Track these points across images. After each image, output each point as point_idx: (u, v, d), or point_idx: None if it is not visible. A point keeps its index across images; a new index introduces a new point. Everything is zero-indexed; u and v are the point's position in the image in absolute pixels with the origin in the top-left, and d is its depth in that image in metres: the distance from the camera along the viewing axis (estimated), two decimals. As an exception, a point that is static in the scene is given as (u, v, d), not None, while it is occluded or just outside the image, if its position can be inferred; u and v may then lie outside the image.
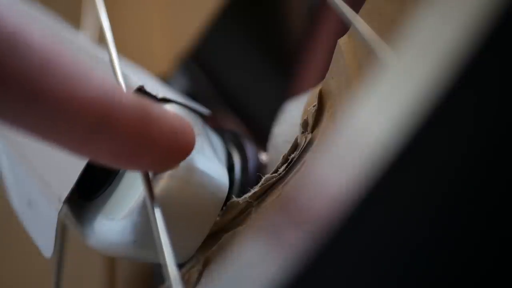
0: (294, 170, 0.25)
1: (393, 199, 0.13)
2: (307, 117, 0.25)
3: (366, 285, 0.14)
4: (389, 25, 0.22)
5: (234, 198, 0.25)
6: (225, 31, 0.43)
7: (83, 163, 0.23)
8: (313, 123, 0.25)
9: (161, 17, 0.44)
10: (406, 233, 0.13)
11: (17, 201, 0.28)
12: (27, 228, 0.27)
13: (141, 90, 0.24)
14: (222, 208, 0.25)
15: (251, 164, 0.27)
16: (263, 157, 0.28)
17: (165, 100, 0.25)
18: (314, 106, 0.25)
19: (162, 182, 0.23)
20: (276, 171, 0.25)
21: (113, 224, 0.24)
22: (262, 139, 0.29)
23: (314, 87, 0.26)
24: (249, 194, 0.25)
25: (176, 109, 0.25)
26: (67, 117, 0.18)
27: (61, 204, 0.24)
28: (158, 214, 0.22)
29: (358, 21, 0.21)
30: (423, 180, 0.13)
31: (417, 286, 0.14)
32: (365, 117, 0.14)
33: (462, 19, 0.13)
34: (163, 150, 0.21)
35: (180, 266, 0.26)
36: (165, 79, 0.40)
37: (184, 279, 0.26)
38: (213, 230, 0.25)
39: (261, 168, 0.27)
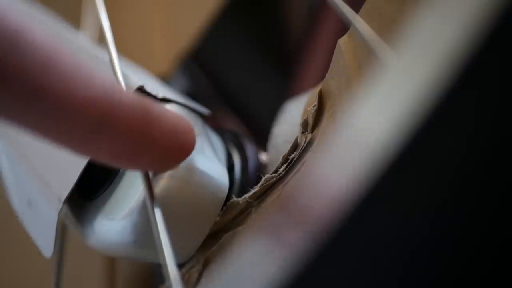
0: (294, 170, 0.25)
1: (393, 199, 0.13)
2: (307, 117, 0.25)
3: (366, 285, 0.14)
4: (389, 25, 0.22)
5: (234, 198, 0.25)
6: (225, 31, 0.43)
7: (83, 163, 0.23)
8: (313, 123, 0.25)
9: (161, 17, 0.44)
10: (406, 233, 0.13)
11: (17, 201, 0.28)
12: (27, 228, 0.27)
13: (141, 90, 0.24)
14: (222, 208, 0.25)
15: (251, 164, 0.27)
16: (263, 157, 0.28)
17: (165, 100, 0.25)
18: (314, 106, 0.25)
19: (162, 182, 0.23)
20: (276, 171, 0.25)
21: (113, 224, 0.24)
22: (262, 139, 0.29)
23: (314, 87, 0.26)
24: (249, 194, 0.25)
25: (176, 109, 0.25)
26: (67, 115, 0.18)
27: (61, 204, 0.24)
28: (158, 214, 0.22)
29: (358, 21, 0.21)
30: (423, 180, 0.13)
31: (417, 286, 0.14)
32: (365, 117, 0.14)
33: (462, 19, 0.13)
34: (163, 150, 0.21)
35: (180, 266, 0.26)
36: (165, 79, 0.40)
37: (184, 279, 0.26)
38: (213, 230, 0.25)
39: (261, 168, 0.27)
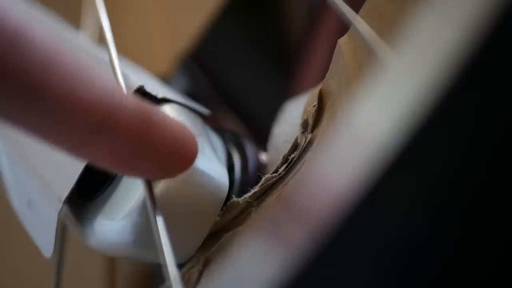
0: (294, 170, 0.25)
1: (393, 199, 0.13)
2: (307, 117, 0.25)
3: (366, 285, 0.14)
4: (389, 25, 0.22)
5: (234, 198, 0.25)
6: (225, 31, 0.43)
7: (83, 163, 0.23)
8: (313, 123, 0.25)
9: (161, 17, 0.44)
10: (406, 233, 0.13)
11: (17, 201, 0.28)
12: (27, 228, 0.27)
13: (141, 90, 0.24)
14: (222, 208, 0.25)
15: (251, 164, 0.27)
16: (263, 157, 0.28)
17: (165, 100, 0.25)
18: (314, 106, 0.25)
19: (162, 183, 0.23)
20: (276, 171, 0.25)
21: (113, 224, 0.24)
22: (262, 139, 0.29)
23: (314, 87, 0.26)
24: (249, 194, 0.25)
25: (176, 109, 0.25)
26: (67, 116, 0.18)
27: (61, 204, 0.24)
28: (158, 214, 0.22)
29: (358, 21, 0.21)
30: (423, 180, 0.13)
31: (417, 286, 0.14)
32: (365, 117, 0.14)
33: (462, 19, 0.13)
34: (164, 156, 0.20)
35: (180, 266, 0.26)
36: (165, 79, 0.40)
37: (184, 279, 0.26)
38: (213, 230, 0.25)
39: (261, 168, 0.27)
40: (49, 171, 0.25)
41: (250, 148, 0.27)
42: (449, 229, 0.13)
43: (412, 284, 0.14)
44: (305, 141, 0.25)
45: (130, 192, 0.24)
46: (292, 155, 0.25)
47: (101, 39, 0.27)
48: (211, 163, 0.25)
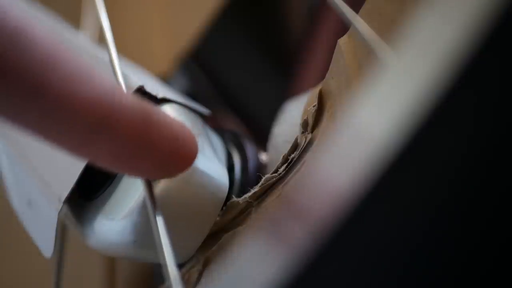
0: (294, 170, 0.25)
1: (393, 199, 0.13)
2: (307, 117, 0.25)
3: (366, 285, 0.14)
4: (389, 25, 0.22)
5: (234, 198, 0.25)
6: (225, 31, 0.43)
7: (83, 163, 0.23)
8: (313, 123, 0.25)
9: (161, 17, 0.44)
10: (406, 233, 0.13)
11: (17, 201, 0.28)
12: (27, 228, 0.27)
13: (141, 90, 0.24)
14: (222, 208, 0.25)
15: (251, 164, 0.27)
16: (263, 157, 0.28)
17: (165, 100, 0.25)
18: (314, 106, 0.25)
19: (162, 182, 0.23)
20: (276, 171, 0.25)
21: (113, 224, 0.24)
22: (262, 139, 0.29)
23: (314, 87, 0.26)
24: (249, 194, 0.25)
25: (176, 109, 0.25)
26: (67, 115, 0.18)
27: (61, 204, 0.24)
28: (158, 214, 0.22)
29: (358, 21, 0.21)
30: (423, 180, 0.13)
31: (417, 286, 0.14)
32: (365, 117, 0.14)
33: (462, 19, 0.13)
34: (163, 155, 0.20)
35: (180, 266, 0.26)
36: (165, 79, 0.40)
37: (184, 279, 0.26)
38: (213, 230, 0.25)
39: (261, 168, 0.27)
40: (49, 171, 0.25)
41: (250, 148, 0.27)
42: (449, 229, 0.13)
43: (412, 284, 0.14)
44: (305, 141, 0.25)
45: (130, 192, 0.24)
46: (292, 155, 0.25)
47: (101, 39, 0.27)
48: (211, 163, 0.25)
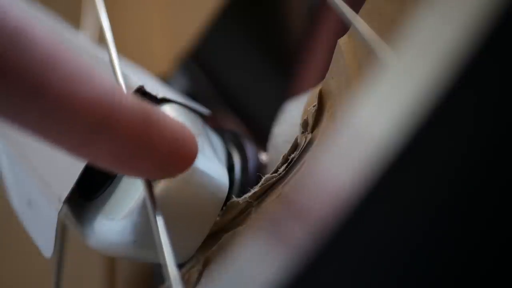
0: (294, 170, 0.25)
1: (393, 199, 0.13)
2: (307, 117, 0.25)
3: (366, 285, 0.14)
4: (389, 25, 0.22)
5: (234, 198, 0.25)
6: (225, 31, 0.43)
7: (83, 163, 0.23)
8: (313, 123, 0.25)
9: (161, 17, 0.44)
10: (406, 233, 0.13)
11: (17, 201, 0.28)
12: (27, 228, 0.27)
13: (141, 90, 0.24)
14: (222, 208, 0.25)
15: (251, 164, 0.27)
16: (263, 157, 0.28)
17: (165, 100, 0.25)
18: (314, 106, 0.25)
19: (162, 182, 0.23)
20: (276, 171, 0.25)
21: (113, 224, 0.24)
22: (262, 139, 0.29)
23: (314, 87, 0.26)
24: (249, 194, 0.25)
25: (176, 109, 0.25)
26: (67, 115, 0.18)
27: (61, 204, 0.24)
28: (158, 214, 0.22)
29: (358, 21, 0.21)
30: (423, 180, 0.13)
31: (417, 286, 0.14)
32: (365, 117, 0.14)
33: (462, 19, 0.13)
34: (163, 156, 0.20)
35: (180, 266, 0.26)
36: (165, 79, 0.40)
37: (184, 279, 0.26)
38: (213, 230, 0.25)
39: (261, 168, 0.27)
40: (49, 171, 0.25)
41: (250, 148, 0.27)
42: (449, 229, 0.13)
43: (412, 284, 0.14)
44: (305, 141, 0.25)
45: (130, 192, 0.24)
46: (292, 155, 0.25)
47: (101, 39, 0.27)
48: (211, 163, 0.25)
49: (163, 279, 0.21)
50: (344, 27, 0.24)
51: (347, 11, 0.22)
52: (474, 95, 0.13)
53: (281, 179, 0.25)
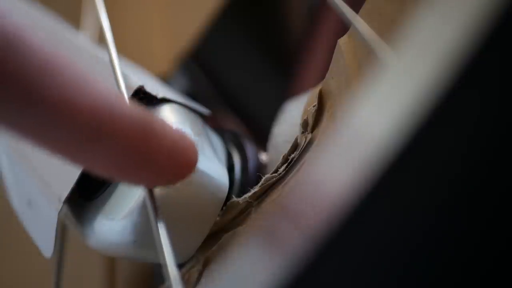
0: (294, 170, 0.25)
1: (393, 200, 0.13)
2: (307, 117, 0.25)
3: (365, 285, 0.14)
4: (389, 25, 0.22)
5: (234, 198, 0.25)
6: (225, 31, 0.43)
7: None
8: (313, 123, 0.25)
9: (161, 17, 0.44)
10: (406, 234, 0.13)
11: (17, 201, 0.28)
12: (27, 228, 0.27)
13: (141, 90, 0.24)
14: (222, 208, 0.25)
15: (251, 164, 0.27)
16: (263, 157, 0.28)
17: (165, 100, 0.25)
18: (314, 106, 0.25)
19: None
20: (276, 171, 0.25)
21: (113, 224, 0.24)
22: (262, 139, 0.29)
23: (314, 87, 0.26)
24: (249, 194, 0.25)
25: (176, 109, 0.25)
26: (65, 122, 0.18)
27: (61, 204, 0.24)
28: (158, 214, 0.22)
29: (358, 21, 0.21)
30: (423, 180, 0.13)
31: (417, 286, 0.14)
32: (365, 117, 0.14)
33: (462, 19, 0.13)
34: (163, 164, 0.20)
35: (180, 266, 0.26)
36: (165, 79, 0.40)
37: (184, 279, 0.26)
38: (213, 230, 0.25)
39: (261, 168, 0.27)
40: (49, 171, 0.25)
41: (250, 148, 0.27)
42: (449, 229, 0.13)
43: (412, 284, 0.14)
44: (305, 141, 0.25)
45: (130, 192, 0.24)
46: (292, 155, 0.25)
47: (101, 39, 0.27)
48: (211, 163, 0.25)
49: (163, 279, 0.21)
50: (344, 27, 0.24)
51: (347, 11, 0.22)
52: (474, 95, 0.13)
53: (281, 179, 0.25)
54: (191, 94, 0.39)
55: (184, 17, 0.44)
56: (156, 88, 0.25)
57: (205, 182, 0.24)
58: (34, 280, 0.39)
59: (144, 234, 0.24)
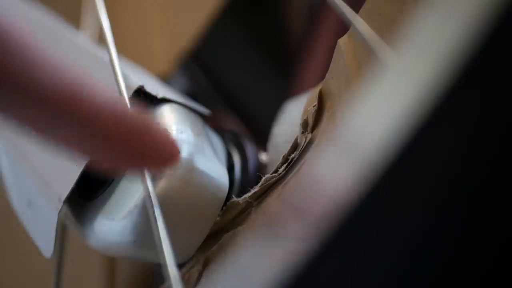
0: (294, 170, 0.25)
1: (392, 200, 0.13)
2: (307, 117, 0.25)
3: (366, 285, 0.14)
4: (389, 25, 0.22)
5: (234, 198, 0.25)
6: (225, 31, 0.42)
7: (83, 163, 0.23)
8: (313, 123, 0.25)
9: (161, 17, 0.44)
10: (405, 234, 0.13)
11: (17, 201, 0.28)
12: (27, 228, 0.27)
13: (141, 90, 0.24)
14: (222, 208, 0.25)
15: (251, 164, 0.27)
16: (263, 157, 0.28)
17: (165, 100, 0.25)
18: (314, 106, 0.25)
19: (162, 182, 0.23)
20: (276, 171, 0.25)
21: (113, 224, 0.24)
22: (262, 139, 0.29)
23: (314, 87, 0.26)
24: (249, 194, 0.25)
25: (176, 109, 0.25)
26: (57, 116, 0.18)
27: (61, 204, 0.24)
28: (158, 214, 0.22)
29: (358, 21, 0.21)
30: (423, 180, 0.13)
31: (417, 286, 0.14)
32: (365, 117, 0.14)
33: (462, 19, 0.13)
34: (154, 160, 0.20)
35: (180, 266, 0.26)
36: (165, 79, 0.40)
37: (184, 279, 0.26)
38: (213, 230, 0.25)
39: (261, 168, 0.27)
40: (49, 171, 0.25)
41: (250, 148, 0.27)
42: (449, 229, 0.13)
43: (412, 284, 0.14)
44: (305, 141, 0.25)
45: (130, 192, 0.24)
46: (292, 155, 0.25)
47: (101, 39, 0.27)
48: (211, 163, 0.25)
49: (163, 279, 0.21)
50: (344, 27, 0.24)
51: (347, 11, 0.22)
52: (474, 95, 0.13)
53: (281, 179, 0.25)
54: (191, 94, 0.39)
55: (184, 17, 0.44)
56: (156, 88, 0.25)
57: (205, 182, 0.24)
58: (34, 280, 0.39)
59: (144, 234, 0.24)
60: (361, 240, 0.13)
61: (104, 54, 0.25)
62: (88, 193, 0.25)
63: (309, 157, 0.24)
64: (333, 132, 0.24)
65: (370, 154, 0.13)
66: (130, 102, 0.24)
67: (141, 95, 0.24)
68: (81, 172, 0.23)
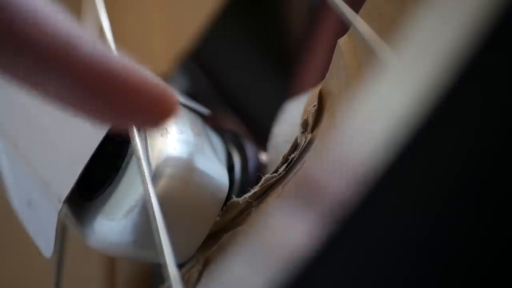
0: (294, 170, 0.25)
1: (393, 200, 0.13)
2: (307, 117, 0.25)
3: (366, 285, 0.14)
4: (389, 25, 0.22)
5: (234, 198, 0.25)
6: (225, 31, 0.43)
7: (83, 163, 0.23)
8: (313, 123, 0.25)
9: (161, 17, 0.44)
10: (406, 234, 0.13)
11: (17, 201, 0.28)
12: (27, 228, 0.27)
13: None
14: (222, 208, 0.25)
15: (251, 164, 0.27)
16: (263, 157, 0.28)
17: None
18: (314, 106, 0.25)
19: (162, 182, 0.23)
20: (276, 171, 0.25)
21: (113, 224, 0.24)
22: (262, 139, 0.29)
23: (314, 87, 0.26)
24: (249, 194, 0.25)
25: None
26: (50, 67, 0.18)
27: (61, 204, 0.24)
28: (158, 214, 0.22)
29: (358, 21, 0.21)
30: (423, 180, 0.13)
31: (417, 286, 0.14)
32: (365, 117, 0.14)
33: (462, 19, 0.13)
34: (151, 106, 0.20)
35: (180, 266, 0.26)
36: (165, 79, 0.40)
37: (184, 279, 0.26)
38: (213, 230, 0.25)
39: (261, 168, 0.27)
40: (49, 171, 0.25)
41: (250, 148, 0.27)
42: (450, 229, 0.13)
43: (413, 284, 0.14)
44: (305, 141, 0.25)
45: (130, 192, 0.24)
46: (292, 155, 0.25)
47: (101, 39, 0.27)
48: (211, 163, 0.25)
49: (163, 279, 0.21)
50: (344, 27, 0.24)
51: (347, 11, 0.22)
52: (474, 95, 0.13)
53: (281, 179, 0.25)
54: (191, 94, 0.39)
55: (184, 17, 0.44)
56: (156, 88, 0.25)
57: (205, 182, 0.24)
58: (34, 280, 0.39)
59: (144, 234, 0.24)
60: (361, 240, 0.13)
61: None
62: (88, 193, 0.25)
63: (309, 157, 0.24)
64: (333, 132, 0.24)
65: (370, 154, 0.13)
66: None
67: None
68: (81, 172, 0.23)
